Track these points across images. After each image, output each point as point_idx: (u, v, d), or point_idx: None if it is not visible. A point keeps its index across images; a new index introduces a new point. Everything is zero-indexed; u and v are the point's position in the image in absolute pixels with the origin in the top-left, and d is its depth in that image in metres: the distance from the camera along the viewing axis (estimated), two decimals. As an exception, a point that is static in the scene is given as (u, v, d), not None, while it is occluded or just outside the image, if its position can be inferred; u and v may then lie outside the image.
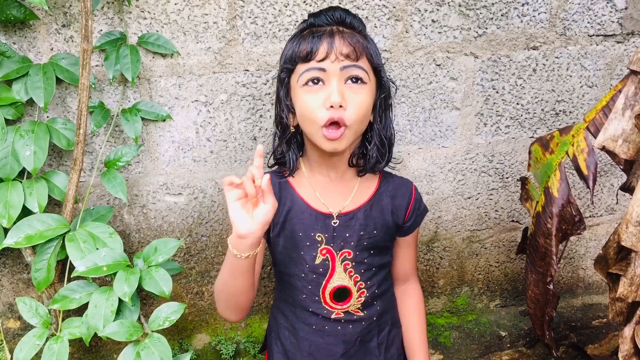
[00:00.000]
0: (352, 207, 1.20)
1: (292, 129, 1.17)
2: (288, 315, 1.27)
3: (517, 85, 1.58)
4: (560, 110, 1.64)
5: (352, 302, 1.21)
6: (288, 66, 1.12)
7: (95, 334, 1.25)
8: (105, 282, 1.40)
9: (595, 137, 1.09)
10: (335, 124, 1.06)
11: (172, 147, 1.45)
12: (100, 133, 1.40)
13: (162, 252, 1.32)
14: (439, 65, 1.51)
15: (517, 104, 1.60)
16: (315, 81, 1.07)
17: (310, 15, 1.14)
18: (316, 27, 1.10)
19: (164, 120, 1.41)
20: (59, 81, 1.32)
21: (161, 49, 1.33)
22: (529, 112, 1.62)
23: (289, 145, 1.20)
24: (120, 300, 1.26)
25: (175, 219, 1.53)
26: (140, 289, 1.27)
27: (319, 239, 1.19)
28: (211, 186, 1.50)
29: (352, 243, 1.18)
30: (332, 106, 1.04)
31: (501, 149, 1.65)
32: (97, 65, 1.35)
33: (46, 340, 1.30)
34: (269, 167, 1.26)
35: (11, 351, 1.55)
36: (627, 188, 1.07)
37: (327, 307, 1.21)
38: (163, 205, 1.51)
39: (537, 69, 1.58)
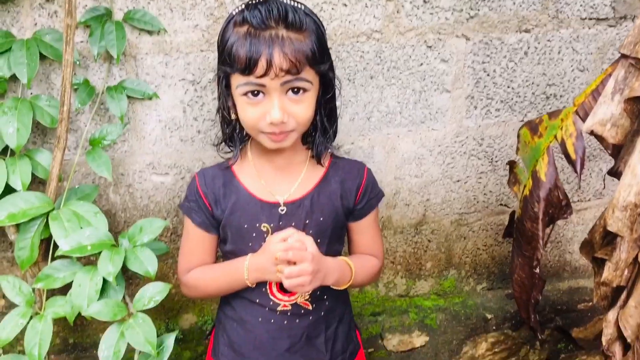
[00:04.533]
0: (299, 194, 1.19)
1: (235, 118, 1.15)
2: (236, 307, 1.26)
3: (508, 68, 1.57)
4: (550, 94, 1.63)
5: (299, 293, 1.20)
6: (226, 70, 1.08)
7: (80, 313, 1.24)
8: (90, 261, 1.38)
9: (584, 122, 1.08)
10: None
11: (159, 126, 1.43)
12: (85, 111, 1.38)
13: (147, 232, 1.31)
14: (430, 46, 1.49)
15: (508, 87, 1.59)
16: (255, 93, 1.05)
17: (247, 6, 1.06)
18: (254, 28, 1.03)
19: (151, 99, 1.39)
20: (42, 57, 1.29)
21: (147, 26, 1.31)
22: (519, 96, 1.61)
23: (233, 134, 1.20)
24: (104, 280, 1.24)
25: (162, 198, 1.52)
26: (125, 269, 1.25)
27: (265, 229, 1.18)
28: (198, 166, 1.49)
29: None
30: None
31: (491, 133, 1.64)
32: (81, 42, 1.33)
33: (30, 319, 1.29)
34: (217, 147, 1.28)
35: (-4, 329, 1.54)
36: (615, 173, 1.07)
37: (273, 298, 1.20)
38: (149, 185, 1.50)
39: (528, 52, 1.56)
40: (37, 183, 1.39)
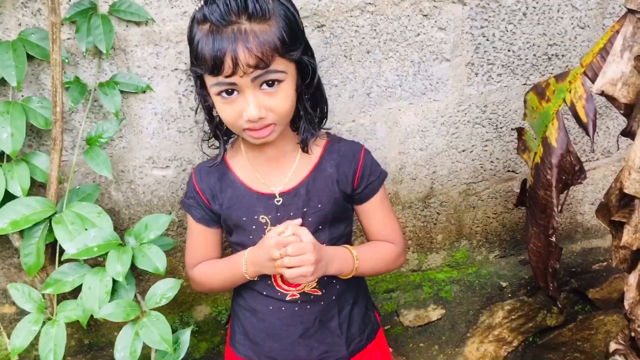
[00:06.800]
0: (294, 184, 1.16)
1: (217, 115, 1.12)
2: (246, 297, 1.25)
3: (507, 31, 1.52)
4: (552, 54, 1.59)
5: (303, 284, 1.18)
6: (197, 71, 1.04)
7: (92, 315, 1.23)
8: (98, 262, 1.37)
9: (593, 82, 1.05)
10: None
11: (155, 119, 1.40)
12: (78, 109, 1.35)
13: (153, 228, 1.28)
14: (426, 15, 1.45)
15: (509, 50, 1.55)
16: (229, 92, 1.02)
17: (206, 1, 1.00)
18: (215, 25, 0.97)
19: (144, 92, 1.36)
20: (30, 58, 1.25)
21: (134, 17, 1.26)
22: (520, 59, 1.57)
23: (217, 132, 1.18)
24: (114, 281, 1.23)
25: (164, 192, 1.49)
26: (134, 267, 1.24)
27: (264, 220, 1.16)
28: (199, 157, 1.46)
29: None
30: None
31: (494, 99, 1.60)
32: (69, 39, 1.29)
33: (42, 325, 1.28)
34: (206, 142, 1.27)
35: (9, 336, 1.53)
36: (628, 133, 1.04)
37: (280, 289, 1.19)
38: (151, 180, 1.47)
39: (527, 13, 1.52)
40: (37, 187, 1.36)
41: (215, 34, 0.97)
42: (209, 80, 1.03)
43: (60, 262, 1.27)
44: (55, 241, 1.27)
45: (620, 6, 1.57)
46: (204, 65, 1.00)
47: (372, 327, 1.31)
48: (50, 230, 1.26)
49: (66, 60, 1.28)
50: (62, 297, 1.34)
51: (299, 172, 1.17)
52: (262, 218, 1.16)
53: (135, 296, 1.28)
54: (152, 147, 1.43)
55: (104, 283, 1.23)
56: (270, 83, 1.02)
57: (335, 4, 1.36)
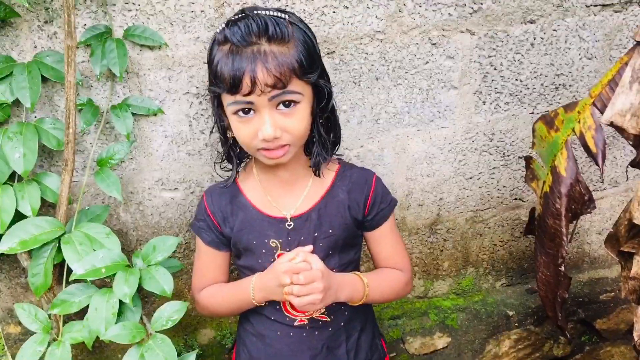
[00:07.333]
0: (306, 208, 1.17)
1: (232, 136, 1.13)
2: (254, 322, 1.24)
3: (515, 60, 1.54)
4: (560, 84, 1.60)
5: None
6: (215, 90, 1.06)
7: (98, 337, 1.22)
8: (105, 283, 1.37)
9: (602, 113, 1.05)
10: None
11: (166, 142, 1.41)
12: (90, 131, 1.36)
13: (161, 250, 1.29)
14: (435, 44, 1.47)
15: (516, 79, 1.57)
16: (246, 111, 1.03)
17: (227, 23, 1.04)
18: (235, 45, 1.00)
19: (156, 115, 1.37)
20: (44, 80, 1.27)
21: (148, 41, 1.29)
22: (528, 88, 1.59)
23: (231, 153, 1.18)
24: (121, 302, 1.23)
25: (172, 214, 1.50)
26: (140, 289, 1.24)
27: (274, 245, 1.16)
28: (208, 180, 1.47)
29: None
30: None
31: (501, 127, 1.61)
32: (83, 62, 1.31)
33: (48, 346, 1.28)
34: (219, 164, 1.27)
35: (13, 356, 1.52)
36: (638, 163, 1.04)
37: (288, 314, 1.19)
38: (160, 202, 1.48)
39: (535, 43, 1.54)
40: (46, 207, 1.37)
41: (235, 54, 0.99)
42: (227, 99, 1.04)
43: (68, 283, 1.27)
44: (63, 261, 1.27)
45: (627, 38, 1.59)
46: (223, 84, 1.02)
47: (379, 355, 1.30)
48: (59, 250, 1.27)
49: (80, 83, 1.30)
50: (68, 318, 1.34)
51: (311, 197, 1.17)
52: (273, 242, 1.16)
53: (142, 318, 1.27)
54: (162, 169, 1.44)
55: (110, 304, 1.22)
56: (287, 104, 1.03)
57: (345, 31, 1.39)
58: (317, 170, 1.16)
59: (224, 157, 1.23)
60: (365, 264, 1.64)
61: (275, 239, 1.16)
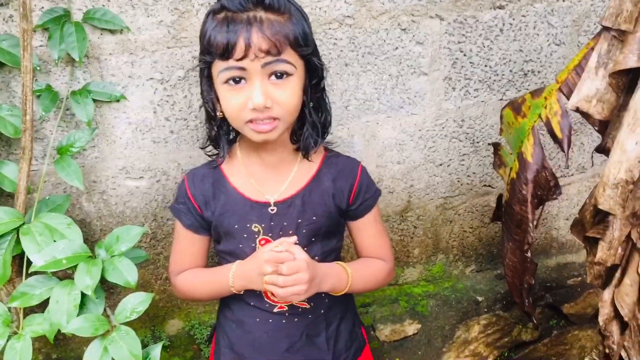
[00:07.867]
0: (290, 193, 1.14)
1: (220, 115, 1.10)
2: (234, 308, 1.22)
3: (484, 46, 1.54)
4: (528, 71, 1.61)
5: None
6: (206, 59, 1.04)
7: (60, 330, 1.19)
8: (67, 275, 1.33)
9: (568, 99, 1.05)
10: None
11: (129, 129, 1.37)
12: (50, 118, 1.32)
13: (125, 240, 1.25)
14: (404, 29, 1.45)
15: (485, 66, 1.56)
16: (237, 79, 1.01)
17: None
18: (231, 12, 0.99)
19: (118, 101, 1.33)
20: (1, 65, 1.23)
21: (109, 25, 1.24)
22: (497, 74, 1.58)
23: (219, 132, 1.15)
24: (83, 294, 1.19)
25: (138, 203, 1.46)
26: (104, 280, 1.20)
27: (256, 229, 1.14)
28: (174, 168, 1.44)
29: (290, 232, 1.13)
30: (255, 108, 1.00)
31: (471, 113, 1.61)
32: (41, 46, 1.26)
33: (8, 339, 1.24)
34: (203, 150, 1.23)
35: (-26, 351, 1.48)
36: (603, 149, 1.04)
37: (269, 300, 1.17)
38: (124, 191, 1.44)
39: (504, 29, 1.53)
40: (5, 197, 1.33)
41: (230, 20, 0.98)
42: (218, 66, 1.01)
43: (28, 275, 1.23)
44: (23, 253, 1.23)
45: (595, 24, 1.59)
46: (215, 50, 0.99)
47: (358, 343, 1.30)
48: (18, 241, 1.22)
49: (38, 68, 1.25)
50: (29, 311, 1.30)
51: (296, 182, 1.15)
52: (255, 227, 1.14)
53: (105, 310, 1.24)
54: (126, 157, 1.40)
55: (72, 296, 1.19)
56: (279, 75, 1.01)
57: (314, 16, 1.36)
58: (306, 154, 1.14)
59: (209, 140, 1.19)
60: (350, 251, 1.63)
61: (258, 223, 1.14)
